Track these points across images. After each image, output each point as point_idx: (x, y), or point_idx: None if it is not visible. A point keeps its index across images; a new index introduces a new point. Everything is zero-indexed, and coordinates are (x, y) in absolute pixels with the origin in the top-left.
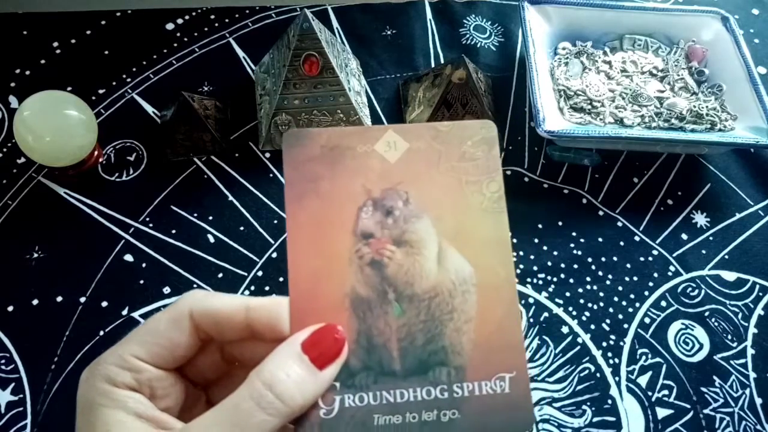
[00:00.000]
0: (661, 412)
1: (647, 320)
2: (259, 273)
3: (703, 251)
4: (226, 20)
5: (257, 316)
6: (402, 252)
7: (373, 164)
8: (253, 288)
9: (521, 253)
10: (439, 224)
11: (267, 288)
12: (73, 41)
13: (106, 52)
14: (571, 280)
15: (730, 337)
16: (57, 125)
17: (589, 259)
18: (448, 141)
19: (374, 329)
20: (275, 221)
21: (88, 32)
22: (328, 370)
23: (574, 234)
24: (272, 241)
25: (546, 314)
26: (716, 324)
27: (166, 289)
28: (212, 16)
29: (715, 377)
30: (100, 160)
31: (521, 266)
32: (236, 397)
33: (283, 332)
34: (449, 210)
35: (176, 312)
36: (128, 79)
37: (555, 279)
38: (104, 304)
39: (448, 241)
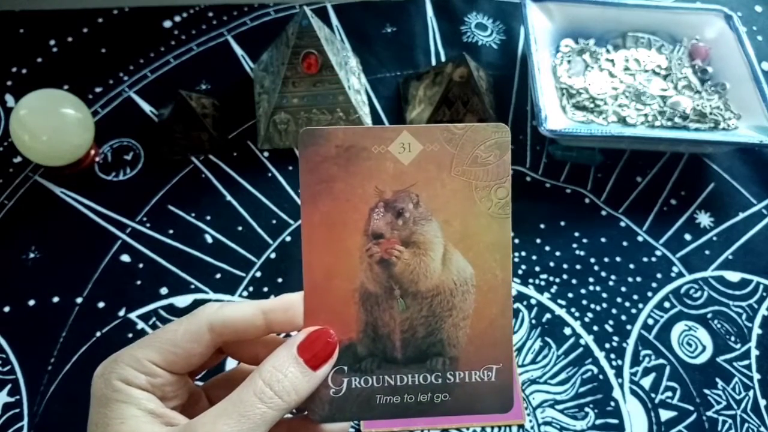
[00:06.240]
0: (665, 414)
1: (650, 321)
2: (258, 274)
3: (707, 252)
4: (224, 18)
5: (275, 318)
6: (409, 252)
7: (386, 166)
8: (251, 289)
9: (523, 253)
10: (446, 227)
11: (265, 289)
12: (69, 39)
13: (103, 50)
14: (574, 281)
15: (733, 339)
16: (53, 124)
17: (592, 260)
18: (461, 144)
19: (380, 321)
20: (273, 221)
21: (85, 30)
22: (321, 370)
23: (576, 234)
24: (270, 242)
25: (548, 315)
26: (719, 326)
27: (164, 290)
28: (210, 14)
29: (717, 379)
30: (97, 159)
31: (523, 267)
32: (241, 392)
33: (299, 327)
34: (457, 214)
35: (194, 325)
36: (125, 78)
37: (557, 280)
38: (101, 304)
39: (453, 244)
